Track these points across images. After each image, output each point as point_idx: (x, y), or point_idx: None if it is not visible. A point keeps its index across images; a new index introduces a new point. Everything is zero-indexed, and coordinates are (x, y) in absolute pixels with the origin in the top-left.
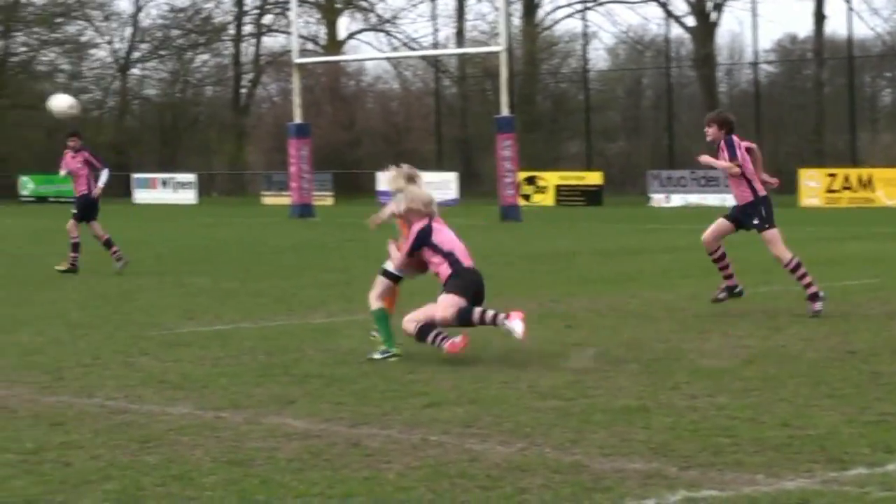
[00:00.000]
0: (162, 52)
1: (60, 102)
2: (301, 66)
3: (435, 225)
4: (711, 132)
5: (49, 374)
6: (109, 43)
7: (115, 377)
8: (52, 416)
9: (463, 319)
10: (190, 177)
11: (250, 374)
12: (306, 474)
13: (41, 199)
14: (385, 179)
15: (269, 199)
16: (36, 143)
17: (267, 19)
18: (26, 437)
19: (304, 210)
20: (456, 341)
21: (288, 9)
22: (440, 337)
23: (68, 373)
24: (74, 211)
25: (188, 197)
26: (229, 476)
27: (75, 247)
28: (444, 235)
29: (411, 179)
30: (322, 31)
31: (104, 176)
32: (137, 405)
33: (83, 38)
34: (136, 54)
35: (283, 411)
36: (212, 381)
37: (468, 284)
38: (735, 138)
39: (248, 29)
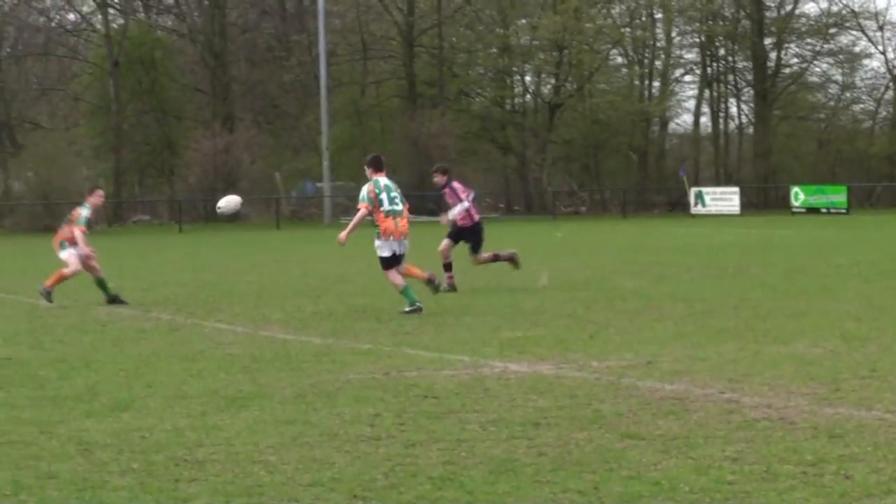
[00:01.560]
0: None
1: (230, 204)
2: None
3: None
4: None
5: (826, 386)
6: (883, 53)
7: (893, 389)
8: (831, 428)
9: None
10: None
11: None
12: None
13: (812, 210)
14: None
15: None
16: (807, 155)
17: None
18: (805, 449)
19: None
20: None
21: None
22: None
23: (845, 384)
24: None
25: None
26: None
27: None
28: None
29: None
30: None
31: (457, 208)
32: None
33: (856, 49)
34: None
35: None
36: None
37: None
38: None
39: None
